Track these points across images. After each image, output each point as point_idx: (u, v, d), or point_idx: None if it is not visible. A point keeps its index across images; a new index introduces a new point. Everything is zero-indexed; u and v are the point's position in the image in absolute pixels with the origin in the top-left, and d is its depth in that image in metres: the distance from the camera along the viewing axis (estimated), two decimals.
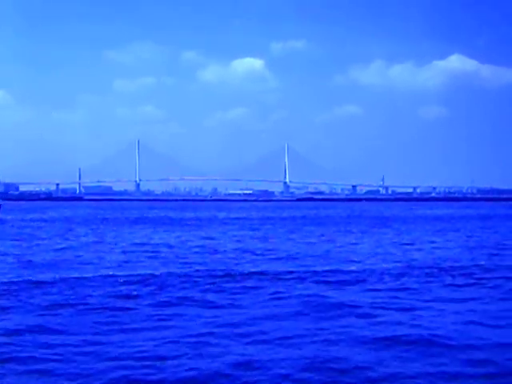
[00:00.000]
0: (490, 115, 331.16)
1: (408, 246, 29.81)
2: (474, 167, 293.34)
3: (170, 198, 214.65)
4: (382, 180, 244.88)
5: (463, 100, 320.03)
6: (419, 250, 27.86)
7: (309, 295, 15.09)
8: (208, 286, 16.65)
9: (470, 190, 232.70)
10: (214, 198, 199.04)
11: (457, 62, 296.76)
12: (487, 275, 19.03)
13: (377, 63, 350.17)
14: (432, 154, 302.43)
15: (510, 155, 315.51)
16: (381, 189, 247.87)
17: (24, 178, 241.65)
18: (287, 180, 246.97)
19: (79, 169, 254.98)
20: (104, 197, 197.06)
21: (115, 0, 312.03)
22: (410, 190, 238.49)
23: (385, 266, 21.28)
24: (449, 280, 18.06)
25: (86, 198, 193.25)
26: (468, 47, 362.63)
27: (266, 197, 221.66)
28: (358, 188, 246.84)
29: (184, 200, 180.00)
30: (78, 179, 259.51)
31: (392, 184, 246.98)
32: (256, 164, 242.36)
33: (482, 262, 22.42)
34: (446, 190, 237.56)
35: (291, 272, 19.52)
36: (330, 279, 18.12)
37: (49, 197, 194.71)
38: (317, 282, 17.54)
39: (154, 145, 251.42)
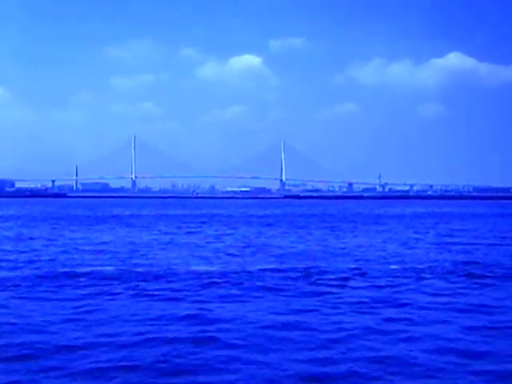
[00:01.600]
0: (489, 113, 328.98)
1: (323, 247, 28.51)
2: (471, 165, 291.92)
3: (165, 195, 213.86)
4: (379, 178, 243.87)
5: (461, 98, 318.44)
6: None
7: None
8: None
9: (466, 189, 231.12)
10: (200, 195, 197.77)
11: (455, 61, 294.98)
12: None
13: (375, 61, 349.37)
14: (430, 152, 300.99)
15: (507, 154, 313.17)
16: (378, 186, 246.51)
17: (22, 174, 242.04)
18: (283, 178, 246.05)
19: (76, 166, 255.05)
20: (94, 194, 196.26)
21: None
22: (407, 188, 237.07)
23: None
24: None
25: (70, 195, 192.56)
26: (466, 45, 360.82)
27: (263, 194, 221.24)
28: (354, 186, 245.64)
29: (174, 197, 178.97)
30: (75, 176, 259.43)
31: (389, 182, 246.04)
32: (253, 161, 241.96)
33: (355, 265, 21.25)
34: (443, 188, 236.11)
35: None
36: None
37: (34, 194, 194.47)
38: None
39: (151, 142, 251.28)
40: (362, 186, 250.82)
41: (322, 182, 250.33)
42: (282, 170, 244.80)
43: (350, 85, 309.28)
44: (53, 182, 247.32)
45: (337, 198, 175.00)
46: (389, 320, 12.47)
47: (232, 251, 26.21)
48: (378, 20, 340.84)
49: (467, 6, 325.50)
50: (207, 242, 30.57)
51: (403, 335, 11.13)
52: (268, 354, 10.07)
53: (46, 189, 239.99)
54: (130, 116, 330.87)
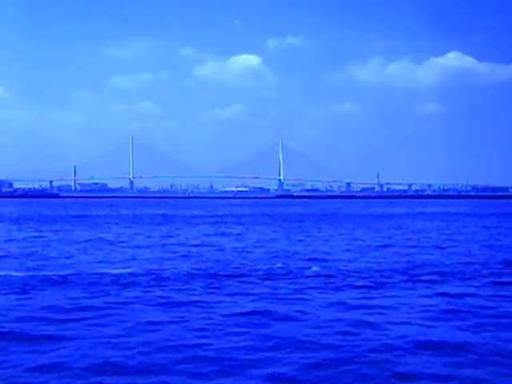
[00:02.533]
0: (488, 113, 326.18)
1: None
2: (470, 165, 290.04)
3: (163, 195, 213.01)
4: (377, 177, 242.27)
5: (461, 97, 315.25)
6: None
7: None
8: None
9: (464, 188, 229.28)
10: (191, 195, 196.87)
11: (454, 60, 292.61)
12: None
13: (374, 60, 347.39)
14: (429, 152, 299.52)
15: (507, 153, 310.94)
16: (376, 186, 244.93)
17: (21, 175, 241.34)
18: (281, 177, 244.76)
19: (74, 166, 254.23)
20: (92, 194, 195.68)
21: None
22: (405, 188, 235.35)
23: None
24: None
25: (62, 195, 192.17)
26: (466, 44, 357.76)
27: (262, 194, 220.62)
28: (352, 185, 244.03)
29: (169, 197, 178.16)
30: (73, 176, 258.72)
31: (388, 181, 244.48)
32: (252, 161, 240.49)
33: (279, 265, 20.46)
34: (441, 188, 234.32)
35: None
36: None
37: (31, 194, 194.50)
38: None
39: (150, 141, 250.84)
40: (361, 186, 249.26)
41: (319, 181, 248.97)
42: (279, 169, 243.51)
43: (349, 83, 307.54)
44: (50, 182, 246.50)
45: (330, 197, 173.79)
46: (249, 340, 11.29)
47: (157, 252, 25.45)
48: (377, 19, 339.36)
49: (467, 4, 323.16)
50: (147, 245, 29.65)
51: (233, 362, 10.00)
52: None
53: (44, 189, 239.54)
54: (129, 115, 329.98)
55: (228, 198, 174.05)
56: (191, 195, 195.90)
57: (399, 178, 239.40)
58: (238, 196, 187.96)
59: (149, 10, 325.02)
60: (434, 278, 18.47)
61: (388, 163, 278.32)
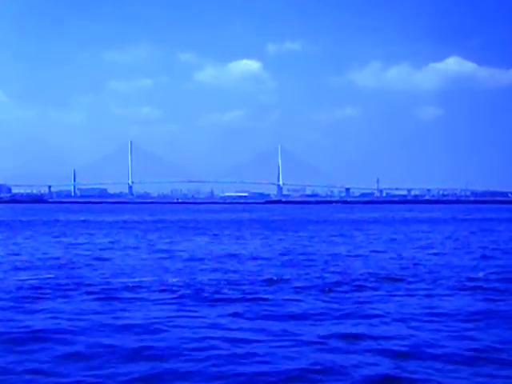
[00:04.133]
0: (488, 118, 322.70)
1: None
2: (470, 170, 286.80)
3: (164, 200, 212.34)
4: (377, 182, 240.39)
5: (460, 102, 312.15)
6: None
7: None
8: None
9: (463, 193, 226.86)
10: (180, 200, 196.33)
11: (454, 65, 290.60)
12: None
13: (374, 65, 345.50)
14: (429, 157, 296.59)
15: (506, 158, 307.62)
16: (375, 191, 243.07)
17: (20, 179, 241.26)
18: (280, 182, 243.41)
19: (74, 170, 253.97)
20: (91, 199, 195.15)
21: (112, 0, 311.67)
22: (405, 193, 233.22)
23: None
24: None
25: (51, 200, 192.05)
26: (466, 49, 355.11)
27: (261, 199, 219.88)
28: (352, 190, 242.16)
29: (162, 203, 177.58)
30: (72, 181, 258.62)
31: (387, 186, 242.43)
32: (252, 166, 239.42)
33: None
34: (440, 193, 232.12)
35: None
36: None
37: (17, 200, 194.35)
38: None
39: (150, 146, 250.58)
40: (361, 191, 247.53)
41: (319, 186, 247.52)
42: (278, 174, 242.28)
43: (349, 88, 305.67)
44: (49, 187, 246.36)
45: (319, 202, 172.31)
46: None
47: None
48: (376, 23, 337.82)
49: (467, 9, 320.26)
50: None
51: None
52: None
53: (42, 194, 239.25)
54: (128, 119, 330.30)
55: (218, 203, 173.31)
56: (180, 200, 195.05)
57: (399, 183, 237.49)
58: (228, 201, 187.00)
59: (148, 14, 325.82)
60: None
61: (388, 168, 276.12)
